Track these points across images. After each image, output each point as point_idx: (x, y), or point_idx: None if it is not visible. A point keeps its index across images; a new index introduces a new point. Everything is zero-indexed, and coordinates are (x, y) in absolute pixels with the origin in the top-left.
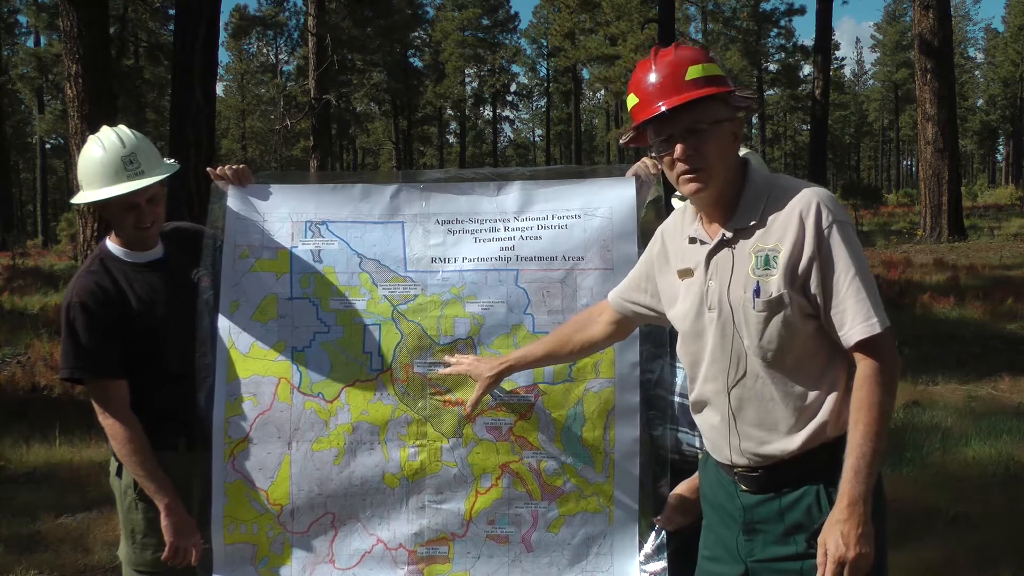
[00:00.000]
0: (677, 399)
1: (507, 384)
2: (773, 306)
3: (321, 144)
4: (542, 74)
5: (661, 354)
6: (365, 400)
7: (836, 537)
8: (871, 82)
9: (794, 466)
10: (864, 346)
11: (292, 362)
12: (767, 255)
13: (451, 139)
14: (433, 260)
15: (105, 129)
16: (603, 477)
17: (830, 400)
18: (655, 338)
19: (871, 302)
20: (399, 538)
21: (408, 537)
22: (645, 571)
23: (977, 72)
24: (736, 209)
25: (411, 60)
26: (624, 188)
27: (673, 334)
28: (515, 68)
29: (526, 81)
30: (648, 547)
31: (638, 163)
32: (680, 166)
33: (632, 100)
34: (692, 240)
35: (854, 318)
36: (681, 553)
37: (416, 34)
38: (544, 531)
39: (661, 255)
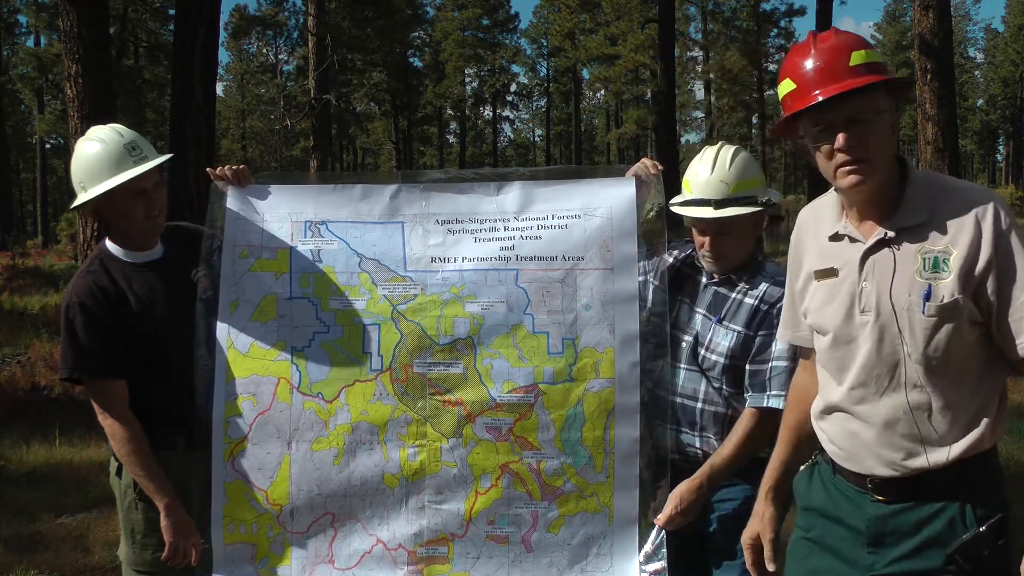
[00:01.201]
0: (678, 399)
1: (507, 384)
2: (946, 312)
3: (321, 144)
4: (542, 74)
5: (662, 354)
6: (365, 400)
7: None
8: None
9: (941, 476)
10: None
11: (292, 362)
12: (936, 257)
13: (451, 139)
14: (433, 260)
15: (95, 128)
16: (603, 477)
17: (987, 412)
18: (656, 338)
19: None
20: (399, 538)
21: (408, 537)
22: (645, 571)
23: (977, 72)
24: (898, 207)
25: (411, 60)
26: (624, 188)
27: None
28: (515, 68)
29: (526, 81)
30: (648, 547)
31: (638, 163)
32: (840, 157)
33: (787, 87)
34: (838, 237)
35: None
36: (681, 553)
37: (416, 34)
38: (544, 531)
39: (794, 263)
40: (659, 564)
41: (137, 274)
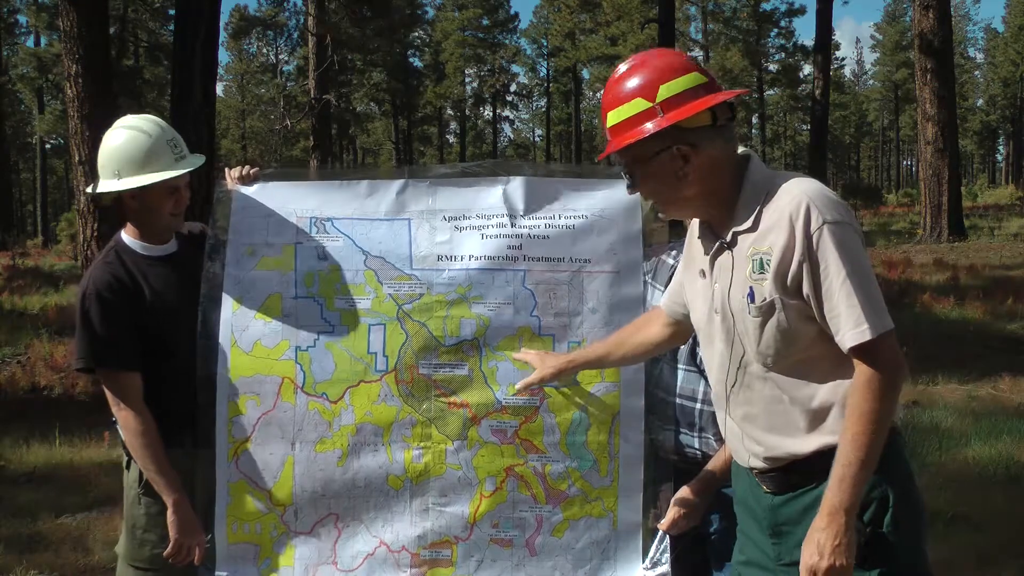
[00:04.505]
0: (677, 400)
1: (512, 387)
2: (765, 312)
3: (321, 144)
4: (542, 74)
5: (661, 356)
6: (369, 401)
7: (812, 546)
8: (871, 82)
9: (808, 465)
10: (857, 352)
11: (296, 362)
12: (761, 258)
13: (451, 139)
14: (439, 258)
15: (134, 117)
16: (608, 481)
17: (841, 401)
18: None
19: (863, 306)
20: (402, 540)
21: (411, 540)
22: None
23: (977, 72)
24: (734, 211)
25: (411, 60)
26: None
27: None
28: (515, 68)
29: (526, 81)
30: (652, 552)
31: None
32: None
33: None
34: (702, 238)
35: (845, 324)
36: (685, 557)
37: (416, 34)
38: (548, 535)
39: (688, 255)
40: (663, 569)
41: (152, 268)
